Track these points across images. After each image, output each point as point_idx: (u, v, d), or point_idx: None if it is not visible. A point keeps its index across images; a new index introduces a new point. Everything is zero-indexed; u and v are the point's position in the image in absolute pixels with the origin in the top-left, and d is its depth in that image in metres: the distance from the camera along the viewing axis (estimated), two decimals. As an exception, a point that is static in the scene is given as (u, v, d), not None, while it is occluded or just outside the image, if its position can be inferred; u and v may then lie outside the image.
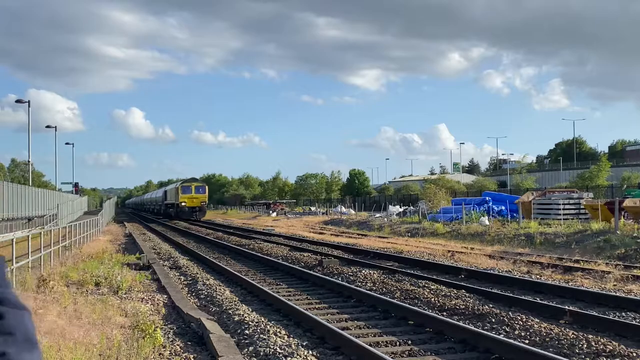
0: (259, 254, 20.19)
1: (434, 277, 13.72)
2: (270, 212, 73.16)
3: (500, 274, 14.23)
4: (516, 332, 8.27)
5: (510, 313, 9.31)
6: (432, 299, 10.75)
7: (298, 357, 7.06)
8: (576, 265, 15.94)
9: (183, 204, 55.48)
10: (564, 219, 28.54)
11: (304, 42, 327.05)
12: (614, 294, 11.19)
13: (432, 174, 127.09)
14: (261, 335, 8.03)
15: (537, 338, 7.90)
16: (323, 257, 18.20)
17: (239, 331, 8.57)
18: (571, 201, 31.61)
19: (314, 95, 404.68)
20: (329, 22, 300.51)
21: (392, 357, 7.23)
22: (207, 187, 59.31)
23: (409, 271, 14.97)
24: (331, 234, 33.59)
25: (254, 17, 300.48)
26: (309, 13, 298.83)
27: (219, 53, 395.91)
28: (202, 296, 12.10)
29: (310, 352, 7.41)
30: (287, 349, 7.34)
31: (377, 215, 50.02)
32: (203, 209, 57.52)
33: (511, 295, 11.10)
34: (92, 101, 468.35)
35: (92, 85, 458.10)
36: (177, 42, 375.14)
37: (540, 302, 10.40)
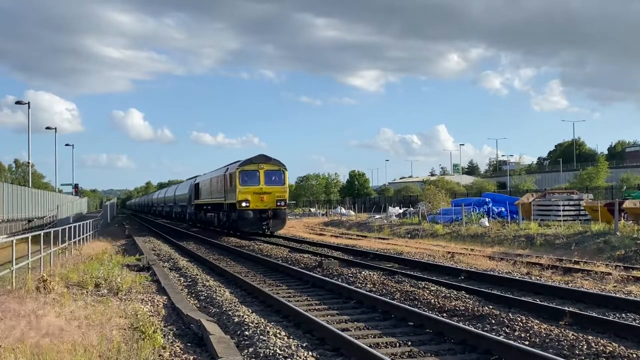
0: (258, 255, 20.19)
1: (434, 278, 13.71)
2: (270, 213, 72.96)
3: (500, 275, 14.22)
4: (516, 333, 8.27)
5: (510, 314, 9.31)
6: (432, 300, 10.74)
7: (298, 358, 7.06)
8: (576, 266, 15.94)
9: (244, 204, 29.87)
10: (563, 220, 28.55)
11: (303, 43, 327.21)
12: (613, 295, 11.19)
13: (432, 175, 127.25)
14: (261, 337, 8.02)
15: (537, 339, 7.90)
16: (323, 258, 18.19)
17: (238, 332, 8.57)
18: (571, 202, 31.63)
19: (312, 96, 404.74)
20: (328, 23, 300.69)
21: (392, 358, 7.23)
22: (286, 172, 31.40)
23: (408, 272, 14.97)
24: (331, 235, 33.59)
25: (252, 18, 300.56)
26: (307, 13, 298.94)
27: (217, 54, 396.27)
28: (202, 297, 12.10)
29: (310, 353, 7.40)
30: (287, 350, 7.34)
31: (377, 216, 50.04)
32: (281, 215, 31.01)
33: (511, 296, 11.09)
34: (90, 102, 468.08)
35: (90, 86, 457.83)
36: (175, 42, 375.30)
37: (540, 303, 10.39)
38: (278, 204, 30.43)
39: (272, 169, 30.79)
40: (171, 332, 8.79)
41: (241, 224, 30.19)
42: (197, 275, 15.52)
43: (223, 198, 32.92)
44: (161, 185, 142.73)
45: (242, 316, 9.50)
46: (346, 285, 12.82)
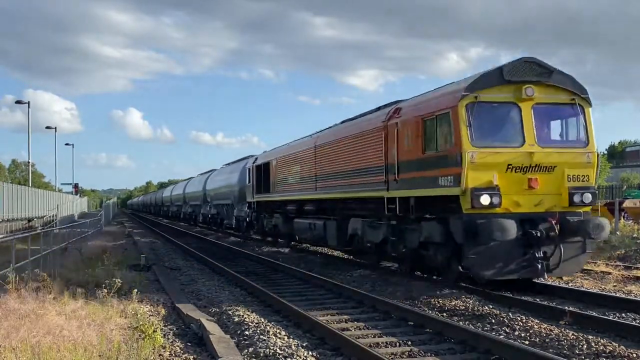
0: (259, 255, 20.18)
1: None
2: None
3: (500, 274, 14.18)
4: (516, 333, 8.27)
5: (510, 314, 9.32)
6: (432, 300, 10.74)
7: (298, 358, 7.06)
8: (576, 266, 15.90)
9: (486, 199, 10.27)
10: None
11: (301, 42, 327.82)
12: (613, 294, 11.19)
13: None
14: (261, 336, 8.03)
15: (537, 339, 7.90)
16: (323, 257, 18.18)
17: (238, 332, 8.57)
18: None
19: (311, 95, 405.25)
20: (327, 22, 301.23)
21: (391, 358, 7.23)
22: (588, 109, 11.38)
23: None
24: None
25: (251, 17, 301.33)
26: (306, 13, 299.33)
27: (216, 53, 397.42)
28: (202, 297, 12.10)
29: (310, 352, 7.40)
30: (287, 349, 7.34)
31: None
32: (585, 229, 10.97)
33: (511, 296, 11.08)
34: (89, 102, 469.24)
35: (89, 85, 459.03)
36: (174, 42, 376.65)
37: (540, 303, 10.39)
38: (575, 198, 11.41)
39: (555, 101, 11.56)
40: (171, 331, 8.79)
41: (480, 258, 10.72)
42: (197, 274, 15.54)
43: (382, 185, 13.39)
44: (162, 185, 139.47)
45: (242, 316, 9.51)
46: (346, 285, 12.81)
